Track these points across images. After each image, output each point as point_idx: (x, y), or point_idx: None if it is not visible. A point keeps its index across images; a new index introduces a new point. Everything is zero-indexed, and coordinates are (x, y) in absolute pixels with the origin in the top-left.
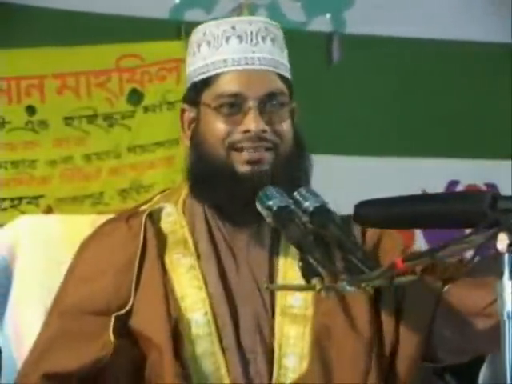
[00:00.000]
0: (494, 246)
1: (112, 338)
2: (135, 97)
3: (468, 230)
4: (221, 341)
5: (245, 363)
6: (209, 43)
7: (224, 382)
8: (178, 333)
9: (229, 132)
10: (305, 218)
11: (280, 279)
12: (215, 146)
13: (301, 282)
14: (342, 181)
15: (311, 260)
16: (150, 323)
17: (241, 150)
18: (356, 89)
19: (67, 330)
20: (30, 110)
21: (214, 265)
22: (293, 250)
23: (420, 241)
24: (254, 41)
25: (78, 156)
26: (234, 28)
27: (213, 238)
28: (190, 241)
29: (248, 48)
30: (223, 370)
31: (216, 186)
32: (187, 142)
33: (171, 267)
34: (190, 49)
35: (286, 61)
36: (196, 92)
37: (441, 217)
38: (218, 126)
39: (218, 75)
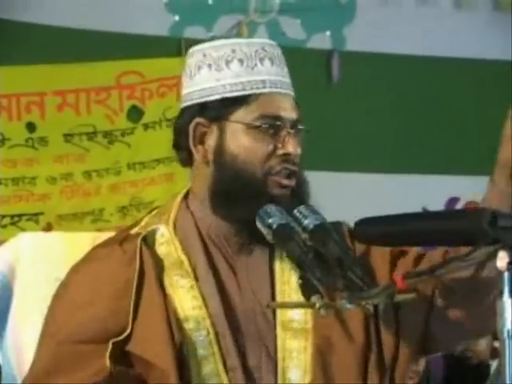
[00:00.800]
0: (495, 264)
1: (108, 363)
2: (135, 114)
3: (468, 248)
4: (224, 361)
5: (250, 381)
6: (241, 61)
7: None
8: (182, 355)
9: (269, 154)
10: (304, 236)
11: (278, 296)
12: (252, 164)
13: (297, 297)
14: (342, 197)
15: (311, 277)
16: (151, 347)
17: (276, 174)
18: (356, 105)
19: (62, 360)
20: (30, 126)
21: (213, 284)
22: (288, 266)
23: None
24: (281, 65)
25: (78, 173)
26: (264, 50)
27: (210, 257)
28: (186, 262)
29: (279, 71)
30: None
31: (247, 204)
32: (200, 158)
33: (172, 289)
34: (213, 63)
35: None
36: (225, 107)
37: (441, 234)
38: (258, 145)
39: (256, 95)
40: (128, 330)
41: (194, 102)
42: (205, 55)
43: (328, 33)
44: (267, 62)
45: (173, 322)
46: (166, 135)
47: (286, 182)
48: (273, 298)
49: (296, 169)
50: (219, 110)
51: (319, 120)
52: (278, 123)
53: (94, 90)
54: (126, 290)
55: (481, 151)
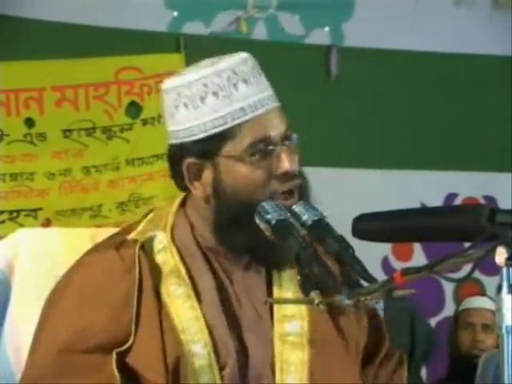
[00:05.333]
0: (493, 259)
1: (116, 373)
2: (134, 109)
3: (467, 244)
4: (221, 371)
5: None
6: (215, 94)
7: None
8: (179, 367)
9: (268, 178)
10: (303, 232)
11: (275, 311)
12: (255, 193)
13: (294, 311)
14: (341, 193)
15: (310, 273)
16: (145, 360)
17: (281, 195)
18: (354, 101)
19: (63, 368)
20: (29, 122)
21: (214, 293)
22: (286, 276)
23: (419, 254)
24: (255, 80)
25: (77, 168)
26: (235, 73)
27: (211, 266)
28: (183, 270)
29: (255, 89)
30: None
31: (252, 233)
32: (200, 194)
33: (169, 299)
34: (188, 102)
35: None
36: (211, 145)
37: (439, 230)
38: (255, 173)
39: (239, 125)
40: (130, 341)
41: (180, 141)
42: (179, 94)
43: (327, 28)
44: (241, 86)
45: (169, 333)
46: (164, 131)
47: (289, 203)
48: (271, 313)
49: (297, 182)
50: (206, 147)
51: (318, 116)
52: (270, 146)
53: (93, 86)
54: (126, 300)
55: (479, 147)
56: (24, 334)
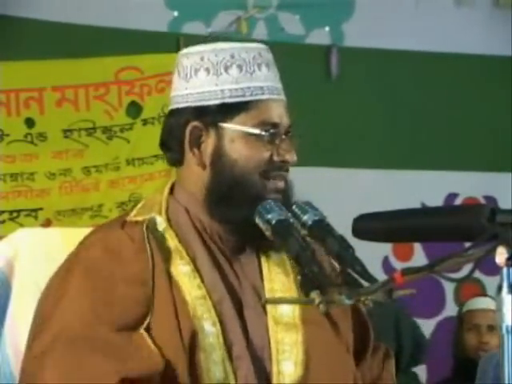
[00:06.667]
0: (493, 259)
1: (153, 347)
2: (134, 109)
3: (467, 244)
4: (229, 350)
5: (256, 370)
6: (240, 67)
7: None
8: (195, 341)
9: (266, 161)
10: (303, 232)
11: (267, 294)
12: (251, 171)
13: (283, 292)
14: (341, 194)
15: (309, 273)
16: (162, 338)
17: (272, 178)
18: (355, 101)
19: (91, 347)
20: (29, 122)
21: (216, 273)
22: (273, 266)
23: (419, 254)
24: (275, 70)
25: (77, 168)
26: (261, 55)
27: (209, 248)
28: (184, 252)
29: (273, 77)
30: (231, 378)
31: (245, 208)
32: (196, 161)
33: (180, 278)
34: (211, 68)
35: None
36: (223, 113)
37: (439, 230)
38: (256, 152)
39: (256, 101)
40: (148, 319)
41: (190, 104)
42: (202, 58)
43: (327, 28)
44: (264, 68)
45: (182, 308)
46: None
47: (281, 185)
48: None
49: (287, 174)
50: (217, 114)
51: (318, 116)
52: (275, 130)
53: (93, 86)
54: (142, 279)
55: (480, 147)
56: (24, 333)
